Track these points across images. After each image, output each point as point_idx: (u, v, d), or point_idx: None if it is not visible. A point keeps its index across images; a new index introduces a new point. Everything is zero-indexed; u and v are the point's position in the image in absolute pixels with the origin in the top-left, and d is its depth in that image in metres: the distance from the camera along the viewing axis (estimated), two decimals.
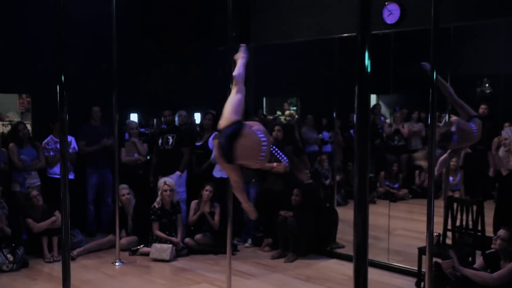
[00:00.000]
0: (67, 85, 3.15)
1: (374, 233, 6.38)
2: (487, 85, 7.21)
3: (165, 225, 6.72)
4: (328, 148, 9.03)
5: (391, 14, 5.78)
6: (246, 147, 3.59)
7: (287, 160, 3.70)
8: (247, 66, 4.00)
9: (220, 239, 6.33)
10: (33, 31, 7.05)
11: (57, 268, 5.83)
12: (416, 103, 8.81)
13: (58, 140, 6.56)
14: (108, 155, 7.43)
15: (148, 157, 7.77)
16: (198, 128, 8.14)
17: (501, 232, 4.36)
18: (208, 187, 6.75)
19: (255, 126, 3.69)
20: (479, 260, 4.57)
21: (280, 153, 3.69)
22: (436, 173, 5.29)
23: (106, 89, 6.45)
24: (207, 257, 6.57)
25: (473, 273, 4.35)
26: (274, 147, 3.66)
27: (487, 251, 4.52)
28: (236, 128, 3.58)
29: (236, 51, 4.11)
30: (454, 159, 7.22)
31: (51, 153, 6.97)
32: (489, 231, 5.31)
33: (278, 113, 9.59)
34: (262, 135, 3.60)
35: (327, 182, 8.24)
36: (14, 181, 6.77)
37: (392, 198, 7.92)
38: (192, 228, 6.83)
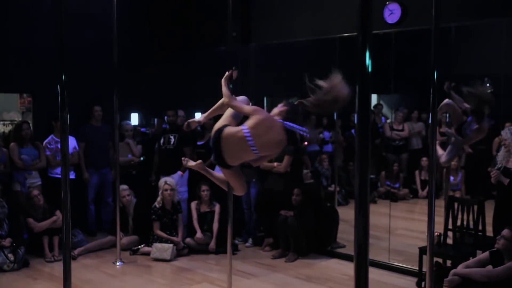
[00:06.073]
0: (68, 84, 3.15)
1: (375, 232, 6.40)
2: (488, 85, 7.21)
3: (166, 224, 6.72)
4: (329, 147, 9.04)
5: (392, 13, 5.78)
6: (232, 148, 3.64)
7: (307, 131, 3.63)
8: (248, 67, 4.01)
9: (220, 238, 6.34)
10: (33, 30, 7.06)
11: (58, 267, 5.84)
12: (417, 103, 8.81)
13: (59, 140, 6.57)
14: (108, 155, 7.46)
15: (142, 158, 7.81)
16: (199, 128, 8.14)
17: (505, 231, 4.37)
18: (204, 187, 6.76)
19: (247, 122, 3.68)
20: (484, 254, 4.57)
21: (295, 127, 3.59)
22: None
23: (106, 89, 6.46)
24: (208, 257, 6.57)
25: (470, 271, 4.38)
26: (287, 123, 3.60)
27: (491, 250, 4.52)
28: (215, 136, 3.67)
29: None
30: (455, 160, 7.23)
31: (48, 153, 6.97)
32: (489, 231, 5.30)
33: None
34: (245, 128, 3.60)
35: (329, 188, 8.25)
36: (15, 181, 6.77)
37: (393, 197, 7.93)
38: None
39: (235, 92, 4.12)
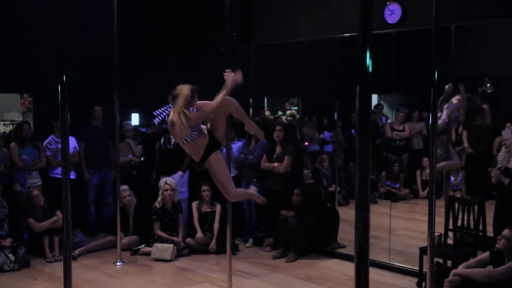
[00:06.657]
0: (68, 85, 3.15)
1: (376, 233, 6.40)
2: (488, 85, 7.21)
3: (166, 224, 6.72)
4: (329, 148, 9.04)
5: (393, 14, 5.78)
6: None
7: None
8: (248, 67, 4.02)
9: (221, 239, 6.34)
10: (34, 30, 7.06)
11: (59, 267, 5.84)
12: (417, 103, 8.81)
13: (59, 140, 6.57)
14: (108, 155, 7.46)
15: (142, 158, 7.81)
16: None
17: (506, 231, 4.37)
18: (205, 187, 6.77)
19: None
20: (485, 254, 4.58)
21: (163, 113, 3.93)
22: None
23: (107, 89, 6.46)
24: (208, 257, 6.57)
25: (471, 271, 4.38)
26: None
27: (492, 250, 4.52)
28: None
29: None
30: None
31: (48, 153, 6.97)
32: (490, 231, 5.30)
33: (280, 113, 9.60)
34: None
35: (329, 189, 8.25)
36: (15, 181, 6.78)
37: (393, 198, 7.93)
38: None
39: (234, 92, 4.13)
